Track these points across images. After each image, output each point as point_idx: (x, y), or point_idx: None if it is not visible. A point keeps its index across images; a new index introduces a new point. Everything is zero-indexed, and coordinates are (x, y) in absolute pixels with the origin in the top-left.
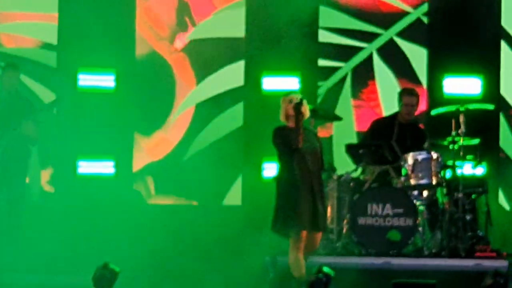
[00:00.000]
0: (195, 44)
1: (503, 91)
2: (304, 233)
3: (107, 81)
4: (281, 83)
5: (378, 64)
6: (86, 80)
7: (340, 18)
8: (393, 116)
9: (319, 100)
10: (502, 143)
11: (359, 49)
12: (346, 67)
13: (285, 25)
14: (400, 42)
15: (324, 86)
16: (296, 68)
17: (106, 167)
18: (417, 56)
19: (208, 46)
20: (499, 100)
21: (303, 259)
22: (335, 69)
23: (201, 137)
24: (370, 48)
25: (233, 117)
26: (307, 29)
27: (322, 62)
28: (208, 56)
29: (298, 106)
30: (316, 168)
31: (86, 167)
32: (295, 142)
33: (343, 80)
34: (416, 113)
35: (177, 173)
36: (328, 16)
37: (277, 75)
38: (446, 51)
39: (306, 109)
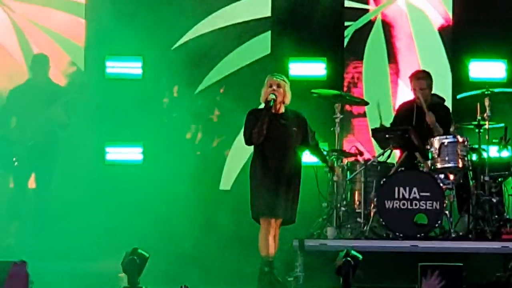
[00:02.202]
0: None
1: None
2: (264, 219)
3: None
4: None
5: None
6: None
7: None
8: (413, 100)
9: (346, 40)
10: None
11: None
12: (375, 10)
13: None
14: None
15: (353, 27)
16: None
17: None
18: None
19: None
20: None
21: (269, 240)
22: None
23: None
24: None
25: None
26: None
27: (349, 3)
28: None
29: (268, 107)
30: (287, 152)
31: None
32: (256, 137)
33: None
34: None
35: None
36: None
37: (304, 60)
38: (471, 35)
39: (286, 96)
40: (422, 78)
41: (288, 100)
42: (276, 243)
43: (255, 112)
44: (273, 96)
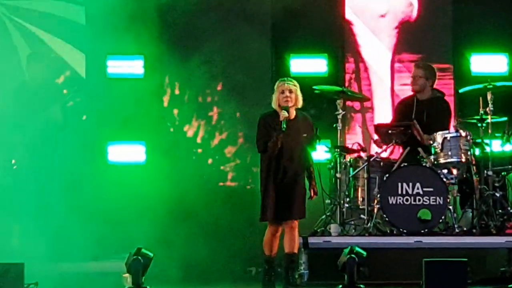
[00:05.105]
0: None
1: None
2: (271, 224)
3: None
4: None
5: None
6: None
7: None
8: (413, 95)
9: None
10: None
11: None
12: None
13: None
14: None
15: None
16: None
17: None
18: None
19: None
20: None
21: (274, 242)
22: None
23: None
24: None
25: None
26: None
27: None
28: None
29: (281, 127)
30: (297, 158)
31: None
32: (271, 151)
33: None
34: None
35: None
36: None
37: (305, 57)
38: (472, 29)
39: (298, 99)
40: (418, 67)
41: (300, 103)
42: (296, 241)
43: (268, 119)
44: (286, 114)
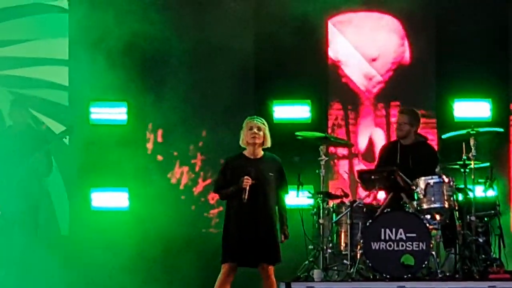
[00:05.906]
0: None
1: None
2: (227, 265)
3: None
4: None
5: None
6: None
7: None
8: (396, 139)
9: None
10: None
11: None
12: None
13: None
14: None
15: None
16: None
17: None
18: None
19: None
20: (509, 123)
21: (224, 285)
22: None
23: None
24: None
25: None
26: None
27: None
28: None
29: (243, 195)
30: (264, 198)
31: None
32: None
33: None
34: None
35: None
36: None
37: (288, 103)
38: (455, 75)
39: (266, 139)
40: (402, 113)
41: (268, 143)
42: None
43: (230, 163)
44: (249, 182)
